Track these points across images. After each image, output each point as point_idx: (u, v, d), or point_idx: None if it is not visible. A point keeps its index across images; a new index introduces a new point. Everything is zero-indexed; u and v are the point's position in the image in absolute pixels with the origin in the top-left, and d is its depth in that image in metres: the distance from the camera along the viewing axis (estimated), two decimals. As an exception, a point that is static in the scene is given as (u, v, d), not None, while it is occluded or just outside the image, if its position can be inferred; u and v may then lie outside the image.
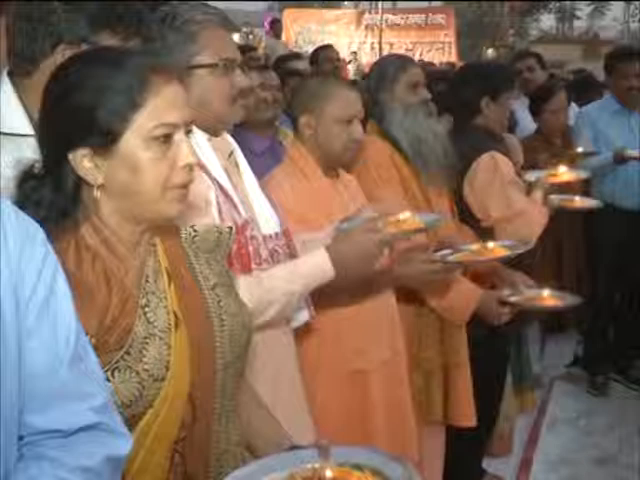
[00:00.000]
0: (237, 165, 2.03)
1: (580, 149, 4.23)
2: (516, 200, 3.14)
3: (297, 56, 5.52)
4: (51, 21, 1.64)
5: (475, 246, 2.62)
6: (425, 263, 2.54)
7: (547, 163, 3.94)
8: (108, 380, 1.25)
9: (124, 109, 1.29)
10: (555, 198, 3.54)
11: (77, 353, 1.11)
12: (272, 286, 1.79)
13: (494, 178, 3.14)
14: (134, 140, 1.30)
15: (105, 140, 1.29)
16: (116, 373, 1.27)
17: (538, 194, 3.33)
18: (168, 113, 1.31)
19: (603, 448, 4.14)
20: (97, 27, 1.65)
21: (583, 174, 3.73)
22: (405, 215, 2.02)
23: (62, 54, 1.63)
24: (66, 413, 1.09)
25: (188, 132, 1.37)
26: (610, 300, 4.90)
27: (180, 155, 1.33)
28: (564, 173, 3.63)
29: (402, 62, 3.00)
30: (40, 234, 1.12)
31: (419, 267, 2.54)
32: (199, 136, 1.90)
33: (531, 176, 3.45)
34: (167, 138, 1.32)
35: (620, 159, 4.30)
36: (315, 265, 1.87)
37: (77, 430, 1.10)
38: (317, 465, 1.31)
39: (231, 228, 1.56)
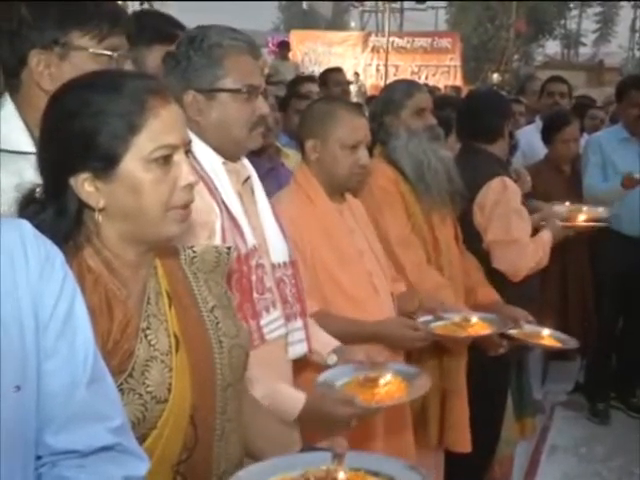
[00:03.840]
0: (252, 191, 2.03)
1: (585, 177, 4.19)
2: (515, 228, 3.15)
3: (310, 79, 5.51)
4: (23, 32, 1.61)
5: (457, 317, 2.59)
6: (408, 328, 2.50)
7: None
8: None
9: (123, 133, 1.29)
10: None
11: (95, 374, 1.12)
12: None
13: (500, 201, 3.16)
14: (134, 163, 1.30)
15: (105, 164, 1.29)
16: (120, 396, 1.26)
17: (547, 234, 3.35)
18: (167, 135, 1.32)
19: (603, 476, 4.12)
20: (66, 28, 1.62)
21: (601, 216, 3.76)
22: (386, 379, 1.97)
23: (37, 58, 1.61)
24: (84, 434, 1.10)
25: (187, 152, 1.37)
26: (613, 327, 4.90)
27: (180, 175, 1.34)
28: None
29: (409, 88, 3.00)
30: (59, 256, 1.14)
31: (402, 332, 2.49)
32: (214, 159, 1.91)
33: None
34: (167, 159, 1.32)
35: (629, 184, 4.26)
36: (284, 408, 1.86)
37: (95, 451, 1.11)
38: (331, 467, 1.31)
39: (229, 248, 1.56)
